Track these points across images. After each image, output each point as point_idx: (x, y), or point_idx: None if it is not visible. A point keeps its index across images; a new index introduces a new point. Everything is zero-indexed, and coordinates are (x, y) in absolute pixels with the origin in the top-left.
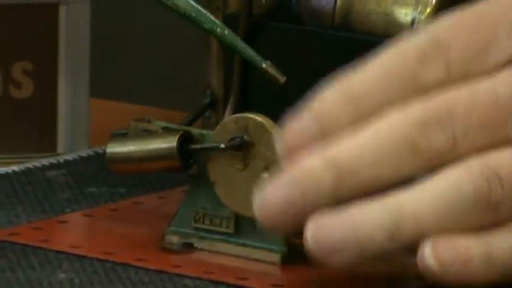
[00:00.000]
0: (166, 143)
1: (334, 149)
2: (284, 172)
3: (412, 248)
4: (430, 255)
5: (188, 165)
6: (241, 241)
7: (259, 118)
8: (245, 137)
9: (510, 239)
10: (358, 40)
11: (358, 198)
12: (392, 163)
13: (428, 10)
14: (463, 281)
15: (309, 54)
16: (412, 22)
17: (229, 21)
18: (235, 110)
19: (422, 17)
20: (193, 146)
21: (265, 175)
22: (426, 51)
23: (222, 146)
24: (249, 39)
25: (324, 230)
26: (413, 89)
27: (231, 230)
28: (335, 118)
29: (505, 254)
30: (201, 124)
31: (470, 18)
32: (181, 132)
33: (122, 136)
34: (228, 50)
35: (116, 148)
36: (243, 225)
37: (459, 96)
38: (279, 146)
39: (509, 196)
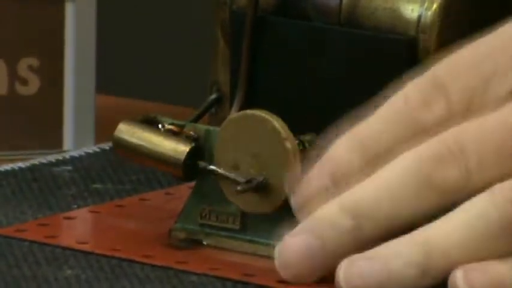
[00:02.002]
0: (175, 153)
1: (350, 194)
2: (301, 224)
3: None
4: (462, 282)
5: (192, 178)
6: (247, 237)
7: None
8: (263, 179)
9: None
10: (365, 36)
11: (378, 242)
12: (408, 202)
13: (434, 6)
14: None
15: (315, 50)
16: (419, 18)
17: (236, 17)
18: (242, 106)
19: (429, 12)
20: (202, 164)
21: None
22: (427, 92)
23: (239, 188)
24: (255, 35)
25: (356, 276)
26: (418, 130)
27: (237, 227)
28: (346, 167)
29: None
30: (208, 120)
31: (469, 56)
32: (191, 146)
33: (131, 124)
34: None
35: (123, 135)
36: (249, 222)
37: (469, 129)
38: (293, 202)
39: None
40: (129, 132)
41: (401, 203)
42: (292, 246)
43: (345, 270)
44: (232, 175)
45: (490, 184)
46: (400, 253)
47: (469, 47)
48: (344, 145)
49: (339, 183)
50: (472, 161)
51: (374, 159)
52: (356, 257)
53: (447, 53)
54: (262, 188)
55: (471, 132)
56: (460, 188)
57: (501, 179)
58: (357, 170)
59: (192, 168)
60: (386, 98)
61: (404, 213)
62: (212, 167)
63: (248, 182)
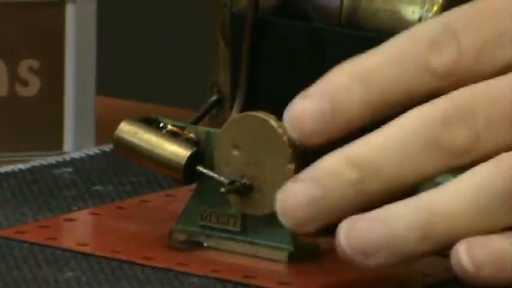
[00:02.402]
0: (176, 156)
1: (356, 147)
2: (305, 171)
3: (445, 251)
4: (464, 256)
5: (191, 182)
6: (248, 239)
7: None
8: (245, 181)
9: None
10: (365, 38)
11: (382, 201)
12: (416, 161)
13: (435, 8)
14: (496, 282)
15: (316, 52)
16: (420, 20)
17: (236, 18)
18: (242, 108)
19: (430, 14)
20: (200, 169)
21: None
22: (437, 37)
23: (223, 190)
24: (255, 37)
25: (357, 234)
26: (425, 71)
27: (237, 228)
28: (346, 95)
29: None
30: (209, 122)
31: (484, 9)
32: (192, 151)
33: (133, 124)
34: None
35: (124, 134)
36: (250, 224)
37: (479, 92)
38: (289, 122)
39: None
40: (130, 132)
41: (407, 161)
42: (295, 193)
43: (346, 229)
44: (215, 176)
45: (498, 149)
46: (402, 216)
47: (483, 1)
48: (345, 72)
49: (337, 111)
50: (481, 124)
51: (376, 92)
52: (357, 217)
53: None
54: (245, 190)
55: (481, 95)
56: (467, 150)
57: (510, 144)
58: (356, 100)
59: (192, 172)
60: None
61: (409, 172)
62: (199, 168)
63: (231, 183)
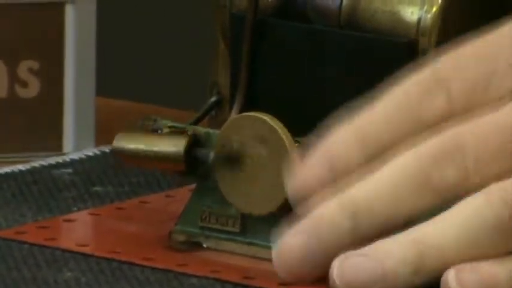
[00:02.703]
0: (173, 147)
1: (349, 192)
2: (300, 220)
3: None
4: (454, 282)
5: (193, 170)
6: (247, 240)
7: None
8: (234, 149)
9: None
10: (364, 39)
11: (376, 237)
12: (407, 201)
13: (434, 9)
14: None
15: (315, 53)
16: (419, 21)
17: (236, 19)
18: (242, 109)
19: (429, 15)
20: (196, 152)
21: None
22: (428, 86)
23: (212, 156)
24: (255, 38)
25: (350, 271)
26: (418, 124)
27: (237, 229)
28: (345, 159)
29: None
30: (208, 122)
31: (471, 51)
32: (188, 137)
33: (130, 132)
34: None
35: (122, 143)
36: (249, 224)
37: (467, 129)
38: (290, 189)
39: None
40: (128, 139)
41: (400, 203)
42: (291, 246)
43: (339, 266)
44: (202, 154)
45: (488, 184)
46: (394, 251)
47: (472, 43)
48: (343, 136)
49: (338, 174)
50: (470, 161)
51: (373, 152)
52: (350, 253)
53: (449, 48)
54: (234, 158)
55: (470, 132)
56: (458, 187)
57: (499, 179)
58: (355, 162)
59: (192, 158)
60: (385, 91)
61: (402, 212)
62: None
63: (219, 151)
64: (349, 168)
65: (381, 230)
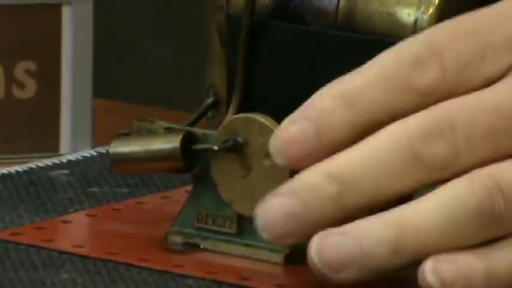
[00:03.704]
0: (169, 144)
1: (335, 161)
2: (285, 185)
3: (417, 265)
4: (431, 272)
5: (191, 166)
6: (244, 241)
7: (262, 119)
8: (238, 139)
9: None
10: (361, 40)
11: (361, 214)
12: (394, 175)
13: (431, 10)
14: None
15: (312, 54)
16: (415, 22)
17: (232, 20)
18: (238, 110)
19: (425, 17)
20: (194, 147)
21: (266, 162)
22: (421, 55)
23: (215, 147)
24: (252, 39)
25: (328, 248)
26: (409, 91)
27: (233, 230)
28: (331, 119)
29: (507, 269)
30: (205, 124)
31: (467, 25)
32: (184, 133)
33: (124, 136)
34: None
35: (118, 148)
36: (246, 226)
37: (460, 106)
38: (275, 149)
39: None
40: (124, 143)
41: (387, 176)
42: (275, 206)
43: (318, 243)
44: (206, 145)
45: (477, 164)
46: (374, 230)
47: (469, 15)
48: (329, 95)
49: (323, 135)
50: (461, 139)
51: (361, 115)
52: (329, 231)
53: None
54: (238, 149)
55: (462, 110)
56: (447, 165)
57: (489, 159)
58: (343, 124)
59: (189, 155)
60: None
61: (389, 186)
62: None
63: (224, 142)
64: (335, 129)
65: (367, 205)
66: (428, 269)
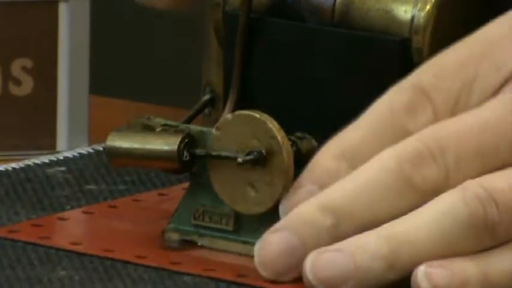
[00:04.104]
0: (167, 146)
1: (329, 193)
2: (281, 220)
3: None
4: (423, 278)
5: (188, 168)
6: (240, 238)
7: (261, 117)
8: (262, 151)
9: (506, 260)
10: (358, 37)
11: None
12: (388, 201)
13: (428, 7)
14: None
15: (309, 51)
16: (412, 19)
17: (229, 17)
18: (235, 107)
19: (422, 14)
20: (199, 152)
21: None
22: (412, 100)
23: (240, 160)
24: (248, 36)
25: (323, 266)
26: (405, 138)
27: (230, 228)
28: (334, 176)
29: (502, 275)
30: (201, 121)
31: (452, 60)
32: (182, 135)
33: (123, 130)
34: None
35: (116, 142)
36: (243, 223)
37: (447, 128)
38: (281, 208)
39: (505, 217)
40: (122, 138)
41: (380, 203)
42: (272, 243)
43: (312, 261)
44: (230, 154)
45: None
46: (367, 246)
47: (451, 51)
48: (331, 153)
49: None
50: (451, 160)
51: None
52: (324, 249)
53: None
54: (263, 160)
55: (450, 131)
56: (438, 187)
57: (481, 176)
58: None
59: (187, 158)
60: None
61: (383, 212)
62: (210, 152)
63: (248, 154)
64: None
65: (361, 230)
66: (421, 274)
